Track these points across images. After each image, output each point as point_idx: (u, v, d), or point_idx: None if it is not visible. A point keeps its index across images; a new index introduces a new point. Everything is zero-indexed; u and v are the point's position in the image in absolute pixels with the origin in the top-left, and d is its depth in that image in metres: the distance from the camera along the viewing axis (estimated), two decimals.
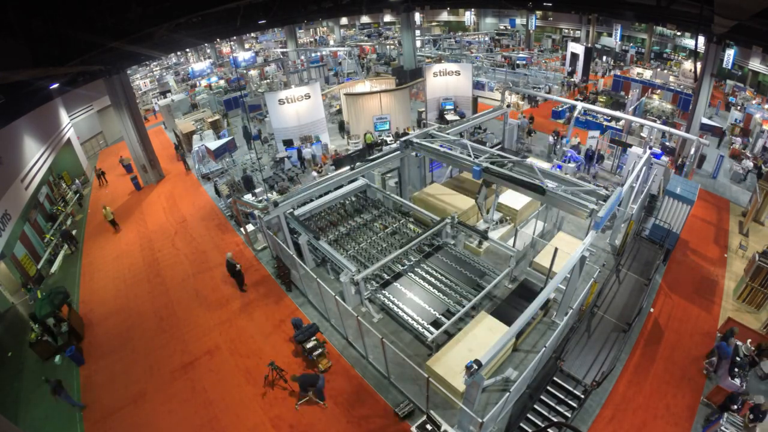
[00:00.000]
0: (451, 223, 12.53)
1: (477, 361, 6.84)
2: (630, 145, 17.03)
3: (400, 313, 10.49)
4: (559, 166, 16.89)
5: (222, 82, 35.04)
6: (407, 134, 21.09)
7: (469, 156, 12.16)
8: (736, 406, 8.07)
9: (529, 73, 30.81)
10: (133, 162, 21.11)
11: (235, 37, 40.94)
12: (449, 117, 23.03)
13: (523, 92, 26.18)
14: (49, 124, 20.91)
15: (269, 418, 9.22)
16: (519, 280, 11.60)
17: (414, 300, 10.74)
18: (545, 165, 16.55)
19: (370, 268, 11.26)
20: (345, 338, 10.84)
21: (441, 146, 13.26)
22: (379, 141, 20.67)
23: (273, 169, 20.19)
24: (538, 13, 40.22)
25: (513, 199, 13.78)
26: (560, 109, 24.29)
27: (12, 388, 10.83)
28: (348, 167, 13.61)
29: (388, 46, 42.04)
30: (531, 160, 16.72)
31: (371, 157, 14.26)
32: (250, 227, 14.72)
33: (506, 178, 11.11)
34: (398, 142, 14.20)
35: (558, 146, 19.37)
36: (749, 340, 9.51)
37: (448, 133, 14.52)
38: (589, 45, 32.73)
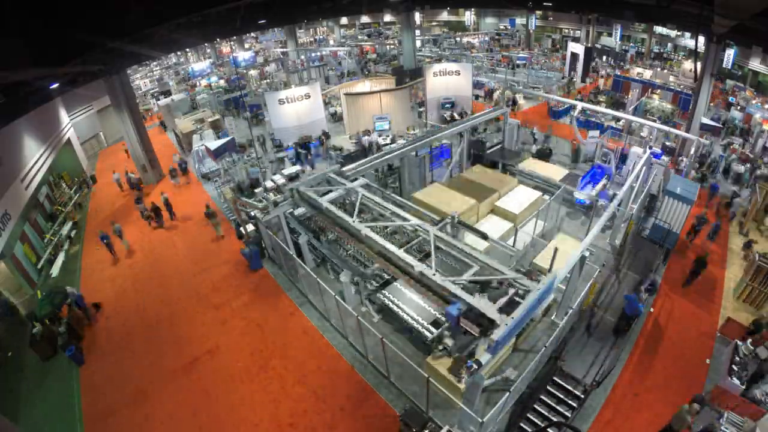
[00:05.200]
0: (451, 223, 12.51)
1: (477, 361, 6.83)
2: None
3: (400, 312, 10.49)
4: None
5: (222, 82, 35.03)
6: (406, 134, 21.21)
7: (350, 218, 9.37)
8: None
9: (528, 73, 30.81)
10: (135, 163, 21.11)
11: (235, 37, 40.90)
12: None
13: (523, 92, 26.17)
14: (49, 124, 20.90)
15: (270, 417, 9.22)
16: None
17: (414, 300, 10.73)
18: (546, 166, 16.60)
19: (370, 267, 11.25)
20: (345, 338, 10.84)
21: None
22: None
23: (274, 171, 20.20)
24: (538, 13, 40.18)
25: (512, 203, 13.77)
26: (560, 109, 24.28)
27: (12, 388, 10.83)
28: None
29: (388, 46, 42.04)
30: (529, 160, 16.91)
31: (377, 154, 14.16)
32: (250, 227, 14.72)
33: (409, 274, 8.06)
34: (286, 190, 11.68)
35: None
36: (749, 340, 9.51)
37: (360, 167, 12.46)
38: (589, 45, 32.74)
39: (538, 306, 7.14)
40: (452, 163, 17.29)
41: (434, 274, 7.39)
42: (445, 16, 51.50)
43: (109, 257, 15.60)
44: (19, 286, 14.04)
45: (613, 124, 21.30)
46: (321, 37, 57.08)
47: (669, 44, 34.83)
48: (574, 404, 8.40)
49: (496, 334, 6.13)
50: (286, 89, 21.87)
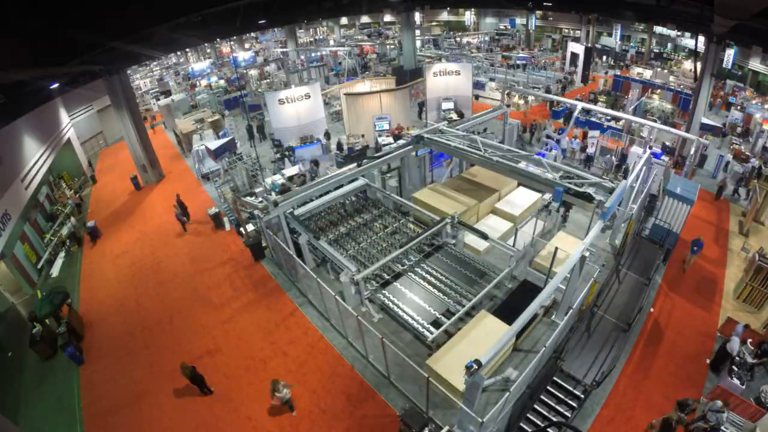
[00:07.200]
0: (451, 223, 12.53)
1: (477, 361, 6.83)
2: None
3: (400, 313, 10.49)
4: (542, 154, 16.20)
5: (222, 82, 35.03)
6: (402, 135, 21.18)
7: (479, 150, 12.58)
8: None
9: (529, 73, 30.78)
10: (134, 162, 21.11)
11: (235, 37, 40.92)
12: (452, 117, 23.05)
13: (522, 92, 26.15)
14: (49, 124, 20.89)
15: (269, 417, 9.23)
16: (519, 280, 11.60)
17: (414, 300, 10.73)
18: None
19: (370, 267, 11.26)
20: (345, 338, 10.84)
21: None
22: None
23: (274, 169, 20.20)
24: (538, 13, 40.21)
25: (511, 205, 13.78)
26: (560, 109, 24.27)
27: (12, 388, 10.83)
28: (353, 165, 13.48)
29: (388, 46, 42.04)
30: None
31: (377, 154, 14.22)
32: (250, 227, 14.72)
33: (525, 175, 11.82)
34: (409, 136, 14.55)
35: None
36: (749, 340, 9.50)
37: (456, 129, 14.92)
38: (589, 45, 32.74)
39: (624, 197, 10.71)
40: (452, 163, 17.30)
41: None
42: (445, 16, 51.57)
43: (108, 257, 15.60)
44: (19, 286, 14.05)
45: (613, 123, 21.31)
46: (321, 36, 57.13)
47: (669, 44, 34.85)
48: (574, 404, 8.40)
49: (609, 201, 9.45)
50: (286, 89, 21.86)
